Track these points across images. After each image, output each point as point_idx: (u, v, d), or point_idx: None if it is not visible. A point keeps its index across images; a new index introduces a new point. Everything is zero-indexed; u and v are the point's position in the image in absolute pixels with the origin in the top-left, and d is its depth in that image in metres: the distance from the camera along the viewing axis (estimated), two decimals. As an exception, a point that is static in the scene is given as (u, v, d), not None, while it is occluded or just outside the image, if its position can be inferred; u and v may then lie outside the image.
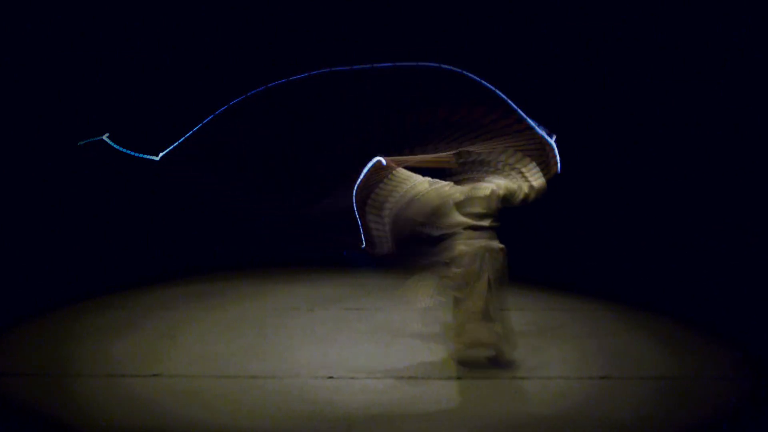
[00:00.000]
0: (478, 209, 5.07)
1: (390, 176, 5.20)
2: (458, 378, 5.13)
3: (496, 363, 5.23)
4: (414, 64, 4.95)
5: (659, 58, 8.54)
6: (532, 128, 4.82)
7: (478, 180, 5.16)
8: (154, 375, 5.15)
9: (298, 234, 5.29)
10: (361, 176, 5.25)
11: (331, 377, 5.15)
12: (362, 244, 5.21)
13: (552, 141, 4.99)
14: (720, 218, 8.22)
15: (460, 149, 5.11)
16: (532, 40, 8.74)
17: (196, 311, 6.90)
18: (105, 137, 4.85)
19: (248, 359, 5.51)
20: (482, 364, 5.24)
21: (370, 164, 5.21)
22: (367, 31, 8.67)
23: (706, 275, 7.66)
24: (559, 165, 5.07)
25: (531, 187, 5.13)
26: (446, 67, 4.93)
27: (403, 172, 5.30)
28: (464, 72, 4.86)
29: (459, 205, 5.10)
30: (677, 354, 5.67)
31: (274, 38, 8.76)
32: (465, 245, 5.05)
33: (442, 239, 5.08)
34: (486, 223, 5.09)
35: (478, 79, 4.86)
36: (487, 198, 5.09)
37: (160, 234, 8.91)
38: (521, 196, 5.13)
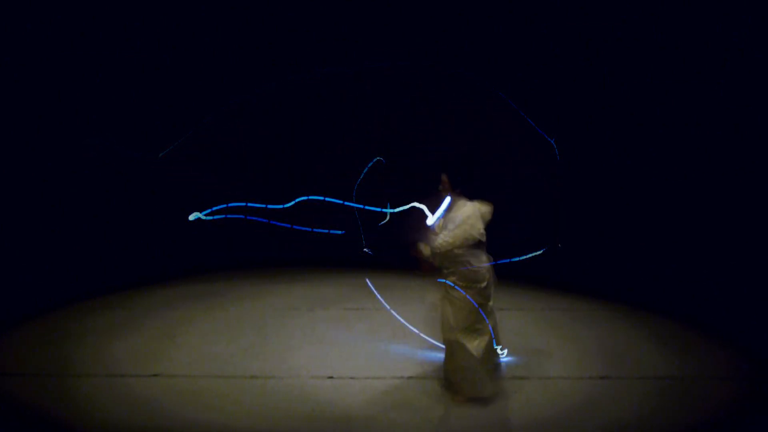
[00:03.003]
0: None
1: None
2: (458, 378, 5.13)
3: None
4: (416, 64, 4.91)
5: (659, 58, 8.53)
6: (533, 126, 4.82)
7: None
8: (154, 375, 5.15)
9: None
10: (361, 176, 5.24)
11: (331, 377, 5.15)
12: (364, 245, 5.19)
13: (552, 142, 4.98)
14: (720, 218, 8.22)
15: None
16: (532, 40, 8.74)
17: (196, 311, 6.90)
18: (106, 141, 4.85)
19: (248, 359, 5.52)
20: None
21: (370, 164, 5.19)
22: (367, 31, 8.67)
23: (706, 275, 7.66)
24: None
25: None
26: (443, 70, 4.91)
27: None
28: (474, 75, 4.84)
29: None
30: (677, 354, 5.67)
31: (275, 38, 8.76)
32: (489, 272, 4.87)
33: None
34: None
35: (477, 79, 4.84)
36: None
37: (160, 234, 8.90)
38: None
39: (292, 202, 5.11)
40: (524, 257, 5.07)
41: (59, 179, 8.73)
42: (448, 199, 4.72)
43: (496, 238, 4.91)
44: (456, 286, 4.67)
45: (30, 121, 8.53)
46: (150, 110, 8.65)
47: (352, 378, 5.15)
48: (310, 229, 5.20)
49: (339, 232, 5.19)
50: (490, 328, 4.80)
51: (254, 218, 5.11)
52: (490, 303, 4.83)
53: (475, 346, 4.66)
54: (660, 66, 8.56)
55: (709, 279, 7.57)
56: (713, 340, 6.04)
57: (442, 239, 4.69)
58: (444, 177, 4.82)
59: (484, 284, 4.72)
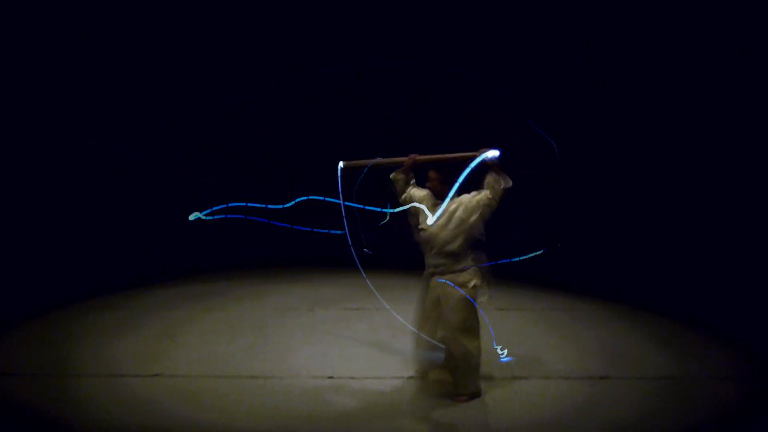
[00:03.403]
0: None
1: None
2: (458, 378, 5.13)
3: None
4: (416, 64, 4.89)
5: (659, 58, 8.53)
6: (533, 126, 4.81)
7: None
8: (154, 375, 5.15)
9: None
10: (361, 176, 5.22)
11: (331, 377, 5.15)
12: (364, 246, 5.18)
13: (553, 142, 4.96)
14: (720, 218, 8.22)
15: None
16: (533, 40, 8.74)
17: (196, 311, 6.90)
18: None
19: (248, 359, 5.52)
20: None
21: (369, 164, 5.17)
22: (368, 31, 8.67)
23: (706, 275, 7.66)
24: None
25: None
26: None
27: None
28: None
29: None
30: (677, 354, 5.67)
31: (275, 38, 8.76)
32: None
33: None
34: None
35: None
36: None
37: (160, 234, 8.90)
38: None
39: (292, 202, 5.11)
40: (524, 257, 5.06)
41: (59, 179, 8.73)
42: (449, 197, 4.71)
43: (496, 238, 4.91)
44: (455, 286, 4.67)
45: (30, 121, 8.54)
46: (150, 110, 8.65)
47: (352, 378, 5.14)
48: (310, 229, 5.20)
49: (339, 232, 5.18)
50: (490, 327, 4.80)
51: (254, 218, 5.11)
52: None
53: (475, 345, 4.66)
54: (660, 66, 8.56)
55: (709, 279, 7.57)
56: (713, 340, 6.04)
57: (443, 238, 4.69)
58: (432, 173, 4.83)
59: (481, 283, 4.72)
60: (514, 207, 5.24)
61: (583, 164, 8.91)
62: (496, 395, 4.84)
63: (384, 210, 5.06)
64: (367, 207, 5.06)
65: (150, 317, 6.66)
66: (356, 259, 4.93)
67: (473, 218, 4.67)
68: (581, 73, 8.80)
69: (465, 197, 4.74)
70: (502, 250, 4.99)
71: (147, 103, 8.70)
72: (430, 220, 4.72)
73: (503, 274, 5.02)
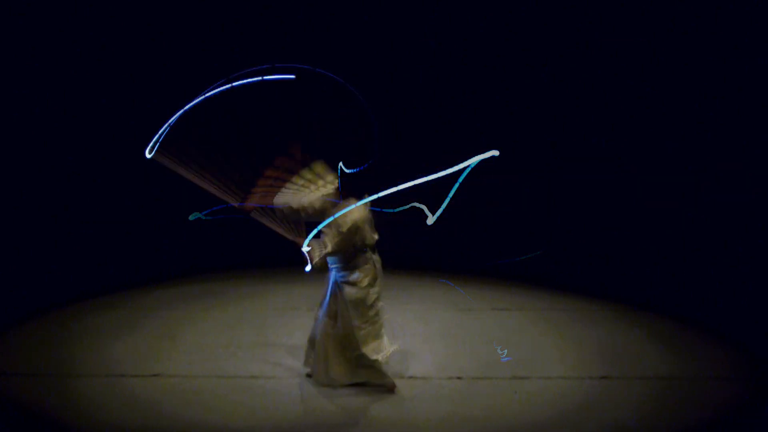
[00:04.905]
0: None
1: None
2: (458, 378, 5.13)
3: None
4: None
5: (659, 59, 8.53)
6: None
7: None
8: (154, 375, 5.15)
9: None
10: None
11: (331, 377, 5.15)
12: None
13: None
14: (720, 218, 8.22)
15: None
16: (532, 40, 8.74)
17: (196, 311, 6.89)
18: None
19: (248, 359, 5.52)
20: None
21: (366, 164, 5.16)
22: (367, 31, 8.68)
23: (706, 275, 7.66)
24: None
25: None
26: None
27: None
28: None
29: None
30: (677, 354, 5.67)
31: (274, 38, 8.76)
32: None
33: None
34: None
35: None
36: None
37: (160, 234, 8.90)
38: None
39: None
40: (524, 257, 5.07)
41: (59, 179, 8.73)
42: (448, 198, 4.69)
43: (495, 238, 4.91)
44: None
45: (30, 121, 8.53)
46: (149, 110, 8.64)
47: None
48: (310, 229, 5.20)
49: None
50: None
51: (254, 218, 5.11)
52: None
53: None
54: (659, 66, 8.56)
55: (709, 279, 7.56)
56: (713, 340, 6.04)
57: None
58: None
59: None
60: (514, 207, 5.26)
61: (583, 164, 8.91)
62: (497, 395, 4.85)
63: (384, 210, 5.06)
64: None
65: (150, 317, 6.65)
66: None
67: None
68: (580, 72, 8.79)
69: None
70: (503, 249, 5.00)
71: (146, 103, 8.69)
72: (430, 220, 4.69)
73: (504, 274, 5.02)
